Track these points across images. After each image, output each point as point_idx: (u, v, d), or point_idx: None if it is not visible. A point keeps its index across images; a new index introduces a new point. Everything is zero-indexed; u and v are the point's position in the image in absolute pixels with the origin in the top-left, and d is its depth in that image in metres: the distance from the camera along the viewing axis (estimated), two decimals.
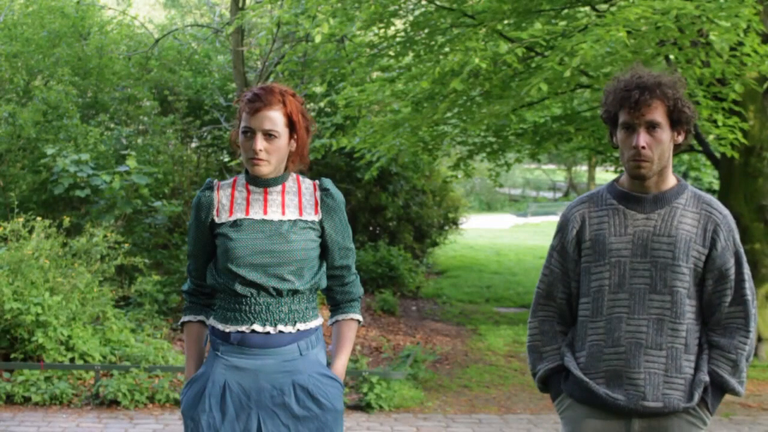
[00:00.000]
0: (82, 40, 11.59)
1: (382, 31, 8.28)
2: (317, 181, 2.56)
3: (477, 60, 6.08)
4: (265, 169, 2.43)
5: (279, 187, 2.50)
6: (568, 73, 5.93)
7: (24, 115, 8.89)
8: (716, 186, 12.24)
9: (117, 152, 9.37)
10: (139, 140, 10.53)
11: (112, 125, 10.67)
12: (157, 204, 8.64)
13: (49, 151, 8.36)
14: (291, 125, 2.44)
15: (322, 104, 11.18)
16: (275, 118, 2.40)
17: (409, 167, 12.16)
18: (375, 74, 9.30)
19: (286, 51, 8.91)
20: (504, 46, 6.07)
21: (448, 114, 8.74)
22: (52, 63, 10.93)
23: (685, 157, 12.60)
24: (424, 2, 7.91)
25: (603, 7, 7.43)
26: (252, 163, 2.42)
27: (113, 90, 11.17)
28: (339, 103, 8.22)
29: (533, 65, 7.90)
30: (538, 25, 6.19)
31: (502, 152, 10.33)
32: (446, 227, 13.76)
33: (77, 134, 9.12)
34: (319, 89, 10.29)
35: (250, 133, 2.41)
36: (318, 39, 6.70)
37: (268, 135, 2.40)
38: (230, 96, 11.29)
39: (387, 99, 8.00)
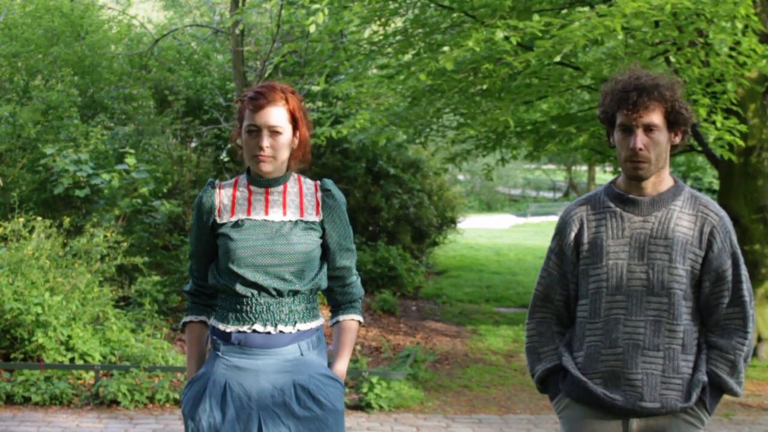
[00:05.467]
0: (80, 39, 11.58)
1: (382, 29, 8.29)
2: (318, 182, 2.57)
3: (471, 43, 6.07)
4: (270, 167, 2.44)
5: (280, 188, 2.51)
6: (557, 58, 5.91)
7: (24, 115, 8.89)
8: (716, 186, 12.23)
9: (117, 152, 9.37)
10: (139, 140, 10.53)
11: (111, 125, 10.67)
12: (157, 203, 8.64)
13: (49, 151, 8.36)
14: (294, 122, 2.45)
15: (320, 103, 11.19)
16: (279, 115, 2.41)
17: (407, 168, 12.20)
18: (373, 71, 9.32)
19: (286, 52, 8.91)
20: (500, 34, 6.05)
21: (447, 109, 8.76)
22: (50, 62, 10.92)
23: (682, 158, 12.59)
24: (424, 0, 7.91)
25: (602, 7, 7.43)
26: (257, 160, 2.42)
27: (112, 90, 11.16)
28: (337, 92, 8.25)
29: (532, 66, 7.90)
30: (536, 17, 6.18)
31: (499, 149, 10.35)
32: (445, 227, 13.77)
33: (77, 134, 9.12)
34: (317, 88, 10.33)
35: (254, 130, 2.41)
36: (312, 29, 6.70)
37: (273, 132, 2.41)
38: (230, 96, 11.29)
39: (386, 92, 7.99)
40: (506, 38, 6.18)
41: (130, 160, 8.41)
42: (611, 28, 5.74)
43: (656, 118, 2.35)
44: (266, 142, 2.40)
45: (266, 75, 10.14)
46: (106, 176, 8.22)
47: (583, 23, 5.80)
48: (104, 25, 12.78)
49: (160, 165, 9.71)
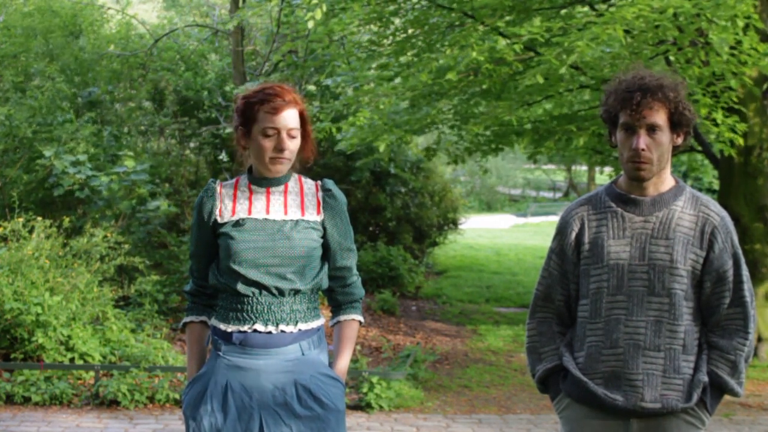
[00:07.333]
0: (74, 38, 11.58)
1: (381, 29, 8.29)
2: (319, 182, 2.57)
3: (474, 53, 6.09)
4: (285, 168, 2.46)
5: (281, 187, 2.51)
6: (564, 70, 5.94)
7: (19, 115, 8.88)
8: (716, 186, 12.24)
9: (113, 152, 9.35)
10: (137, 140, 10.53)
11: (108, 125, 10.66)
12: (155, 204, 8.64)
13: (47, 153, 8.36)
14: (302, 122, 2.47)
15: (317, 102, 11.23)
16: (294, 117, 2.44)
17: (406, 168, 12.20)
18: (372, 72, 9.33)
19: (286, 51, 8.92)
20: (502, 42, 6.10)
21: (446, 111, 8.76)
22: (46, 61, 10.91)
23: (684, 158, 12.60)
24: (424, 1, 7.91)
25: (602, 7, 7.44)
26: (275, 161, 2.43)
27: (111, 90, 11.16)
28: (334, 88, 8.29)
29: (532, 65, 7.91)
30: (536, 22, 6.21)
31: (500, 150, 10.36)
32: (446, 227, 13.80)
33: (71, 135, 9.08)
34: (313, 87, 10.37)
35: (274, 132, 2.41)
36: (311, 25, 6.71)
37: (290, 134, 2.43)
38: (229, 96, 11.30)
39: (385, 91, 8.00)
40: (509, 45, 6.20)
41: (129, 162, 8.41)
42: (613, 36, 5.75)
43: (659, 118, 2.35)
44: (287, 144, 2.41)
45: (265, 74, 10.15)
46: (105, 179, 8.21)
47: (585, 33, 5.81)
48: (96, 24, 12.76)
49: (160, 167, 9.70)
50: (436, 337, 8.95)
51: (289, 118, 2.42)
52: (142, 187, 8.37)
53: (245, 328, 2.42)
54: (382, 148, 8.22)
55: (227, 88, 11.17)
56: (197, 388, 2.46)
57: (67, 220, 7.46)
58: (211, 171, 11.54)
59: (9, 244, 6.76)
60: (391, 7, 7.87)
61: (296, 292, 2.44)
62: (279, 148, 2.41)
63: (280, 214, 2.47)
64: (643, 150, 2.35)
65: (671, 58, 6.81)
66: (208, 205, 2.50)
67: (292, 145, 2.43)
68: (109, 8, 14.16)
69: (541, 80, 6.09)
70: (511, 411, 6.16)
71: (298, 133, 2.44)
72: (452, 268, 14.53)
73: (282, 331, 2.43)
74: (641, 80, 2.36)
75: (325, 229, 2.52)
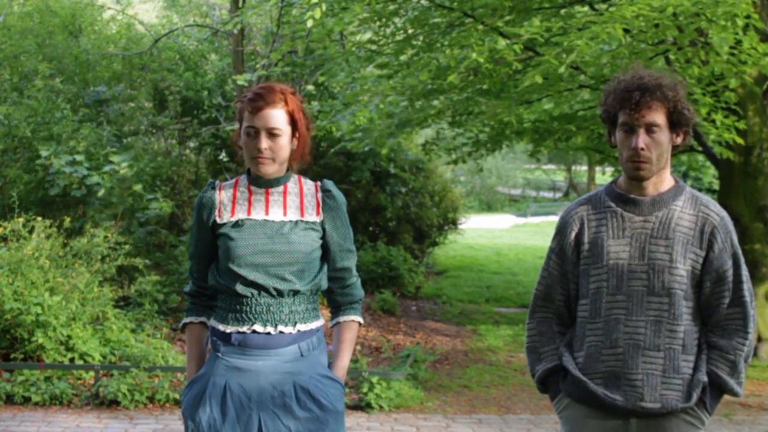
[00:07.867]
0: (73, 39, 11.58)
1: (381, 30, 8.30)
2: (319, 183, 2.57)
3: (474, 55, 6.10)
4: (270, 169, 2.44)
5: (281, 188, 2.50)
6: (563, 70, 5.94)
7: (17, 114, 8.88)
8: (716, 186, 12.24)
9: (110, 151, 9.36)
10: (138, 140, 10.53)
11: (109, 125, 10.67)
12: (152, 207, 8.63)
13: (44, 153, 8.36)
14: (293, 123, 2.45)
15: (316, 103, 11.24)
16: (278, 117, 2.41)
17: (406, 168, 12.21)
18: (371, 68, 9.34)
19: (285, 51, 8.94)
20: (502, 42, 6.10)
21: (445, 111, 8.77)
22: (39, 59, 10.91)
23: (684, 158, 12.61)
24: (424, 1, 7.92)
25: (602, 6, 7.44)
26: (256, 161, 2.42)
27: (120, 93, 11.16)
28: (334, 85, 8.30)
29: (532, 64, 7.92)
30: (536, 22, 6.21)
31: (499, 148, 10.39)
32: (446, 227, 13.81)
33: (71, 134, 9.07)
34: (312, 87, 10.38)
35: (253, 132, 2.41)
36: (310, 23, 6.73)
37: (272, 134, 2.40)
38: (229, 96, 11.30)
39: (385, 91, 8.01)
40: (509, 45, 6.20)
41: (115, 158, 8.42)
42: (613, 35, 5.75)
43: (658, 118, 2.35)
44: (265, 143, 2.40)
45: (263, 68, 10.15)
46: (97, 178, 8.22)
47: (584, 32, 5.81)
48: (97, 25, 12.75)
49: (162, 168, 9.69)
50: (436, 337, 8.95)
51: (270, 117, 2.40)
52: (136, 183, 8.37)
53: (244, 329, 2.42)
54: (384, 151, 8.24)
55: (227, 88, 11.17)
56: (196, 388, 2.46)
57: (67, 220, 7.46)
58: (211, 171, 11.54)
59: (9, 244, 6.76)
60: (392, 7, 7.87)
61: (295, 293, 2.44)
62: (257, 148, 2.40)
63: (279, 215, 2.47)
64: (642, 149, 2.35)
65: (671, 57, 6.81)
66: (208, 206, 2.50)
67: (275, 145, 2.41)
68: (108, 8, 14.16)
69: (540, 80, 6.09)
70: (511, 411, 6.16)
71: (282, 133, 2.41)
72: (452, 268, 14.53)
73: (281, 332, 2.42)
74: (640, 80, 2.36)
75: (324, 230, 2.51)
